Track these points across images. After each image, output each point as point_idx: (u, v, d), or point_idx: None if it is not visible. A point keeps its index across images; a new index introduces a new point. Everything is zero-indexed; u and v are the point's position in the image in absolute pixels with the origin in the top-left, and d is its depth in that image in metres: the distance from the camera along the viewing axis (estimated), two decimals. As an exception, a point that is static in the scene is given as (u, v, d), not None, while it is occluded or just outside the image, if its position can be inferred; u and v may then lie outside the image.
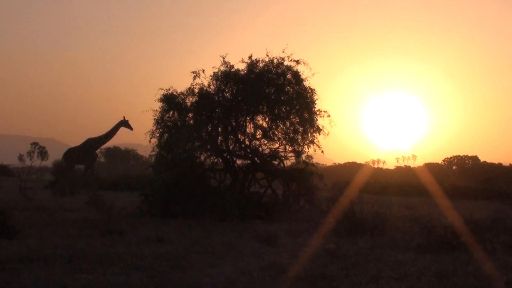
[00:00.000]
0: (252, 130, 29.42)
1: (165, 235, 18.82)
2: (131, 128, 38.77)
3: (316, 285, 11.84)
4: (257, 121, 29.34)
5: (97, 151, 43.56)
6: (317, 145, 29.19)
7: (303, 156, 29.69)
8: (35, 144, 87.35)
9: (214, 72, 28.95)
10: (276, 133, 29.23)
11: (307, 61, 28.64)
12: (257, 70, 28.64)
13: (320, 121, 29.04)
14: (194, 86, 29.26)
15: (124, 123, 39.03)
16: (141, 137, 30.20)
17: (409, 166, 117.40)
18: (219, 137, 29.30)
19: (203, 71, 29.28)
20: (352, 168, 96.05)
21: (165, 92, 29.23)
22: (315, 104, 28.98)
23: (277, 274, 12.83)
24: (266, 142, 29.52)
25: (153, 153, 30.24)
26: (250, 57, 28.99)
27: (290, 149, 29.55)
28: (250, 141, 29.56)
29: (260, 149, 29.68)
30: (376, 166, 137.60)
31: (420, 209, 33.13)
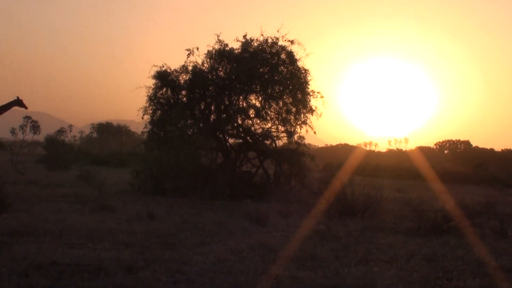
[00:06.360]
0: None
1: (155, 212, 18.79)
2: (25, 107, 35.96)
3: (306, 266, 11.84)
4: (250, 100, 29.27)
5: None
6: (310, 126, 29.22)
7: (295, 137, 29.70)
8: (27, 117, 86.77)
9: (208, 50, 28.88)
10: (269, 112, 29.18)
11: (301, 41, 28.62)
12: (251, 49, 28.51)
13: (313, 102, 29.05)
14: (188, 64, 29.13)
15: (18, 103, 36.04)
16: (133, 113, 30.10)
17: (401, 149, 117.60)
18: (212, 115, 29.20)
19: (197, 48, 29.17)
20: (344, 150, 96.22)
21: (159, 69, 29.07)
22: (309, 84, 28.98)
23: (267, 253, 12.83)
24: (258, 121, 29.48)
25: (146, 129, 30.13)
26: (244, 36, 28.84)
27: (282, 129, 29.54)
28: (243, 120, 29.49)
29: (252, 128, 29.62)
30: (368, 148, 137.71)
31: (411, 192, 33.28)
